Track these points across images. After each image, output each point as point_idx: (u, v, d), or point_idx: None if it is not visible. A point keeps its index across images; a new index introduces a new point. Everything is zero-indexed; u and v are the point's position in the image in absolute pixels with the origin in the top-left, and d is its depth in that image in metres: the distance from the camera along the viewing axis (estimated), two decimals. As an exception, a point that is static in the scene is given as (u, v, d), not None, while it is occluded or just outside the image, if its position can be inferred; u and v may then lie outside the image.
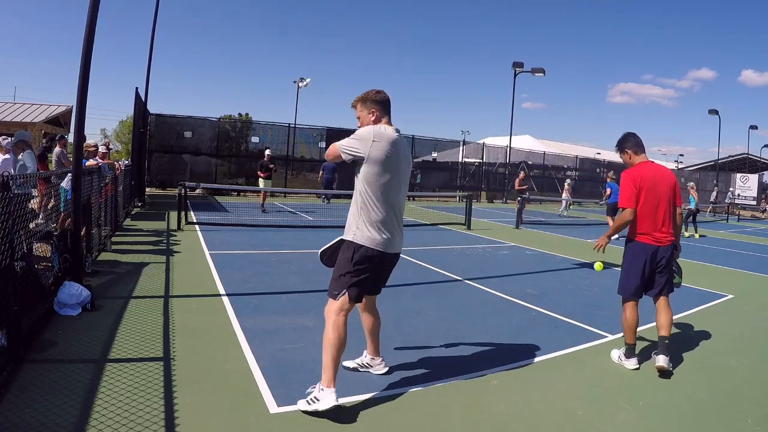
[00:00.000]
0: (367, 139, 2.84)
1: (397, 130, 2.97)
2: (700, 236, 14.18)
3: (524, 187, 16.11)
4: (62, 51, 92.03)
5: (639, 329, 3.98)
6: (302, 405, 2.75)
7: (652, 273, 3.79)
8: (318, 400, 2.71)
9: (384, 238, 2.90)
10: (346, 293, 2.87)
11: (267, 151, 14.48)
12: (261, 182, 13.96)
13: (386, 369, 3.34)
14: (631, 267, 3.83)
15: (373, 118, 2.98)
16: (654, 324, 3.91)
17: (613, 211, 12.35)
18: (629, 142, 3.88)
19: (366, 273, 2.90)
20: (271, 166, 14.44)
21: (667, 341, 3.71)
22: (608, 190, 12.76)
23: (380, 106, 3.00)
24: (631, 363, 3.78)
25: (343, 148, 2.88)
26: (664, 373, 3.60)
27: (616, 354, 3.92)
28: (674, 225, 3.83)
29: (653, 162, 3.90)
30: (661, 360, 3.61)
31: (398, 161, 2.92)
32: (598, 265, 5.46)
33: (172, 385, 2.95)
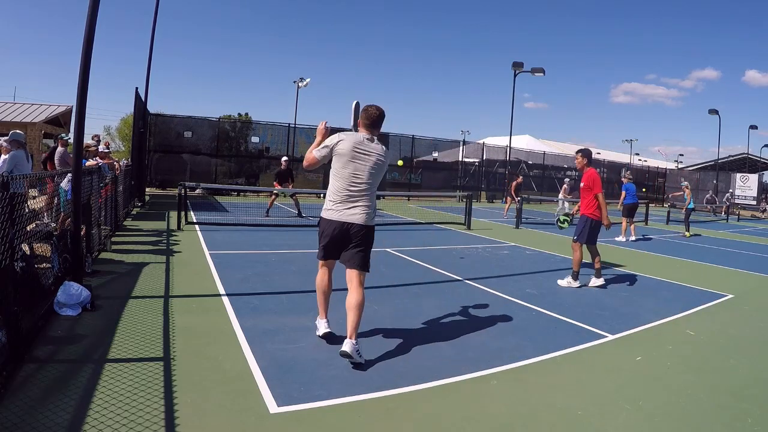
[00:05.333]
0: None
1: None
2: (691, 235, 14.14)
3: (518, 189, 16.40)
4: (62, 51, 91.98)
5: (641, 328, 4.69)
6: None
7: None
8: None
9: None
10: None
11: (284, 159, 13.23)
12: (277, 186, 12.74)
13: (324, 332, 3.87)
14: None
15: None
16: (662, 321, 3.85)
17: (628, 212, 12.21)
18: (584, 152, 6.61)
19: None
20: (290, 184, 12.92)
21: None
22: (624, 193, 12.35)
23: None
24: (576, 283, 6.23)
25: None
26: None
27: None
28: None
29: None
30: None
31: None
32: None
33: (172, 385, 2.95)
